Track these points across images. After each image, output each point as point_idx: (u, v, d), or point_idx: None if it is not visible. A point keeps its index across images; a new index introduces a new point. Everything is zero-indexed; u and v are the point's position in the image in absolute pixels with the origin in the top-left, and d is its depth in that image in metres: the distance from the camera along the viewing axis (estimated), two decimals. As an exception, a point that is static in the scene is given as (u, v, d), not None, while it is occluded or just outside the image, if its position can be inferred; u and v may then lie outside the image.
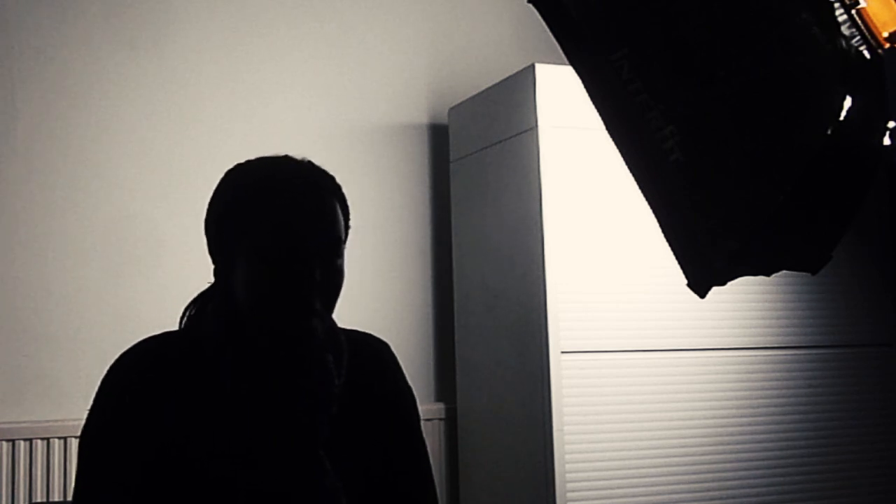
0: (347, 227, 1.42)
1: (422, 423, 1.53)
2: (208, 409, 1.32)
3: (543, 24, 1.38)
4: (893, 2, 1.21)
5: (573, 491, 2.51)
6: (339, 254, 1.38)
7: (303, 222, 1.35)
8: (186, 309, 1.44)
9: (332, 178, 1.42)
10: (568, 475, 2.51)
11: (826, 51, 1.17)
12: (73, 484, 1.36)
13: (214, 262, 1.42)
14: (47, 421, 2.67)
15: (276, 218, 1.34)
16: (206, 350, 1.35)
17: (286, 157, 1.42)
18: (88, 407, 1.37)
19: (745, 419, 2.71)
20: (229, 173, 1.43)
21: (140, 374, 1.36)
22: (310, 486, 1.32)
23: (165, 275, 2.80)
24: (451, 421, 3.06)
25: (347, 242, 1.41)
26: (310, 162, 1.42)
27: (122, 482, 1.32)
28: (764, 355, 2.76)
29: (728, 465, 2.68)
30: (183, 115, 2.93)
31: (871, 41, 1.19)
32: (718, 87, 1.23)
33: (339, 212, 1.40)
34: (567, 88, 2.63)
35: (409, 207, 3.17)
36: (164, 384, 1.35)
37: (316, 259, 1.34)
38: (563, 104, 2.64)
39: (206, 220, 1.42)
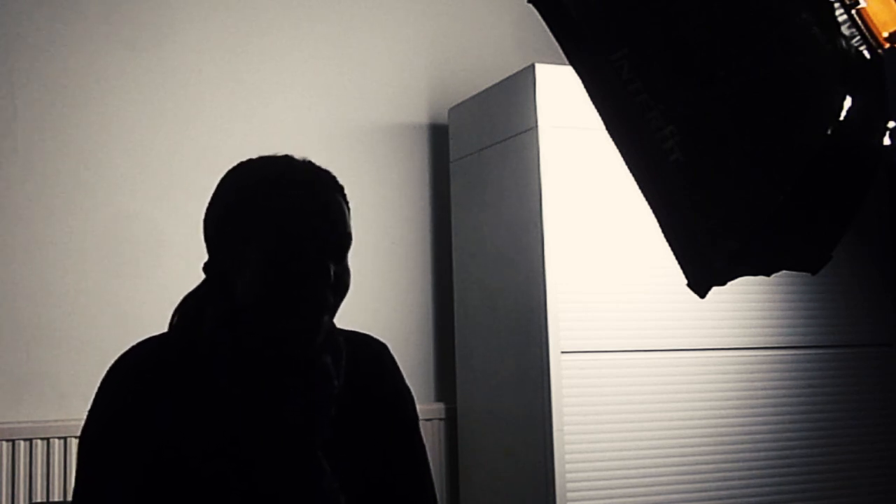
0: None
1: (421, 423, 1.52)
2: (205, 410, 1.32)
3: (543, 24, 1.38)
4: (893, 2, 1.21)
5: (573, 491, 2.51)
6: (347, 253, 1.37)
7: (311, 221, 1.34)
8: (175, 312, 1.42)
9: (334, 177, 1.41)
10: (568, 475, 2.51)
11: (826, 51, 1.17)
12: (72, 484, 1.35)
13: (214, 264, 1.40)
14: (47, 421, 2.67)
15: (281, 220, 1.33)
16: (203, 351, 1.35)
17: (287, 156, 1.40)
18: (88, 408, 1.37)
19: (745, 419, 2.71)
20: (229, 174, 1.41)
21: (140, 376, 1.36)
22: (306, 487, 1.32)
23: (165, 275, 2.80)
24: (451, 421, 3.06)
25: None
26: (310, 161, 1.41)
27: (123, 483, 1.31)
28: (764, 355, 2.76)
29: (728, 465, 2.67)
30: (183, 115, 2.93)
31: (871, 41, 1.19)
32: (718, 87, 1.23)
33: (346, 208, 1.40)
34: (567, 88, 2.63)
35: (409, 207, 3.17)
36: (163, 385, 1.34)
37: (328, 256, 1.33)
38: (563, 104, 2.64)
39: (206, 223, 1.41)
